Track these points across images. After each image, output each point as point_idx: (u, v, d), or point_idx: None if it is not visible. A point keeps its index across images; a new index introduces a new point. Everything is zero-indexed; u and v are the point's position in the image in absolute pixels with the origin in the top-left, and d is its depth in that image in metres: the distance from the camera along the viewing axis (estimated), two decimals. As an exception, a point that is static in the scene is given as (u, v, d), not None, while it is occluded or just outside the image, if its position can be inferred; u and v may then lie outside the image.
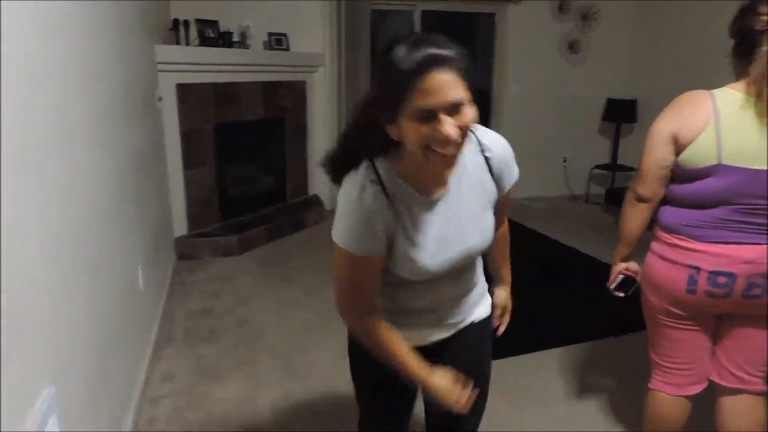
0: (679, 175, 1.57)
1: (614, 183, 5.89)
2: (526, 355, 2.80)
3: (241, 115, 4.47)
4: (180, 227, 4.15)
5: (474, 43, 6.17)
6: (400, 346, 1.20)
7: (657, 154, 1.56)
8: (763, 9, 1.42)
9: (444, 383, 1.21)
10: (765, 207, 1.47)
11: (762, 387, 1.69)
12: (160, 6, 4.06)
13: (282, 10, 4.97)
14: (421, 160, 1.01)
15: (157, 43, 3.70)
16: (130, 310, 2.36)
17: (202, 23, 4.37)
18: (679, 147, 1.53)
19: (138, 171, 2.73)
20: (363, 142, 1.11)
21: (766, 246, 1.49)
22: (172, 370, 2.65)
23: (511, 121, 5.93)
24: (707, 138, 1.47)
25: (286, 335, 3.01)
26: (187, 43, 4.23)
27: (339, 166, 1.14)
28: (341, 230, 1.12)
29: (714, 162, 1.48)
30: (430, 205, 1.13)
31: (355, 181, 1.09)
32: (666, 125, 1.55)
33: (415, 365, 1.20)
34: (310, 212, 4.95)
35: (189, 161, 4.10)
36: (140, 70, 3.03)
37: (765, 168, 1.43)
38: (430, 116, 0.95)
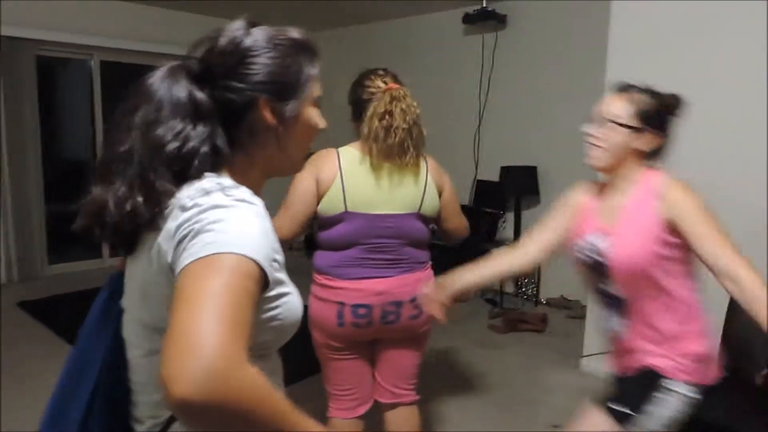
0: (320, 223, 1.79)
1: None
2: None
3: None
4: None
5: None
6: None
7: (296, 204, 1.74)
8: (367, 82, 1.77)
9: None
10: (388, 245, 1.78)
11: (413, 397, 2.02)
12: None
13: None
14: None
15: None
16: None
17: None
18: (318, 197, 1.74)
19: None
20: None
21: (392, 278, 1.80)
22: None
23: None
24: (333, 190, 1.72)
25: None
26: None
27: None
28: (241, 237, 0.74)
29: (342, 209, 1.73)
30: None
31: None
32: (304, 176, 1.72)
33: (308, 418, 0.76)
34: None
35: None
36: None
37: (382, 213, 1.75)
38: None
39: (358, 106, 1.77)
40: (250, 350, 0.66)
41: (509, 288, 4.58)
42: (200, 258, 0.69)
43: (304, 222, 1.75)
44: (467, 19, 4.61)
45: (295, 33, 0.90)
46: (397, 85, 1.75)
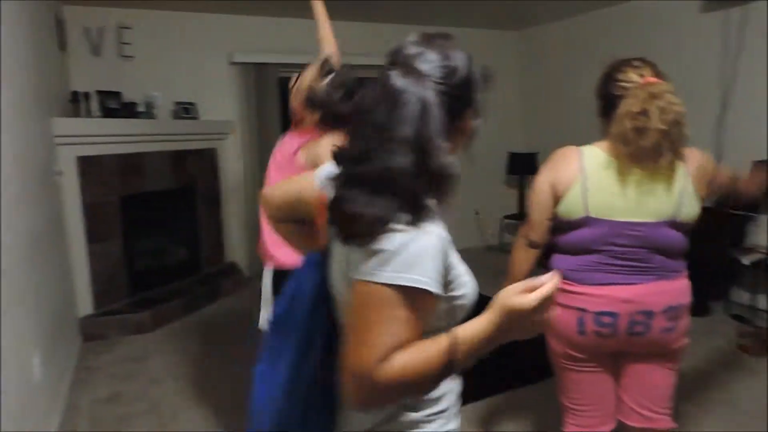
0: (558, 225, 1.70)
1: (524, 231, 6.17)
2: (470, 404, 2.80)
3: (149, 186, 4.34)
4: (85, 306, 3.89)
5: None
6: (433, 343, 0.87)
7: (539, 205, 1.71)
8: (619, 75, 1.61)
9: (523, 300, 0.91)
10: (635, 252, 1.61)
11: (668, 424, 1.78)
12: (59, 78, 3.94)
13: (190, 79, 4.96)
14: None
15: (55, 116, 3.56)
16: (25, 406, 2.15)
17: (104, 94, 4.27)
18: (556, 199, 1.66)
19: (32, 251, 2.55)
20: None
21: (640, 285, 1.62)
22: (75, 468, 2.42)
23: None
24: (573, 193, 1.62)
25: (204, 417, 2.84)
26: (89, 115, 4.11)
27: None
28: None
29: (582, 215, 1.62)
30: None
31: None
32: (542, 179, 1.70)
33: (472, 328, 0.90)
34: (227, 281, 4.81)
35: (93, 235, 3.90)
36: (35, 145, 2.89)
37: (628, 220, 1.58)
38: None
39: (608, 101, 1.62)
40: (428, 334, 0.87)
41: (763, 303, 3.92)
42: (377, 283, 0.84)
43: (549, 225, 1.72)
44: (709, -6, 4.07)
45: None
46: (655, 79, 1.55)
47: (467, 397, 2.89)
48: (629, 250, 1.61)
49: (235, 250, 5.28)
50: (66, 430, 2.70)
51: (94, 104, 4.19)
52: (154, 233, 4.62)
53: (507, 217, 6.23)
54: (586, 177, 1.61)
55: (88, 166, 3.83)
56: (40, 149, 3.05)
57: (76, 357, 3.50)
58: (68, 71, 4.39)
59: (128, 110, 4.35)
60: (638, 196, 1.58)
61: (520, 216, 6.13)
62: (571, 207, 1.63)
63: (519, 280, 1.67)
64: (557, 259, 1.73)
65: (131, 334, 3.89)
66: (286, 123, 5.51)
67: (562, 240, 1.71)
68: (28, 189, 2.62)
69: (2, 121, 2.18)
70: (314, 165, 2.52)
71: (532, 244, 1.76)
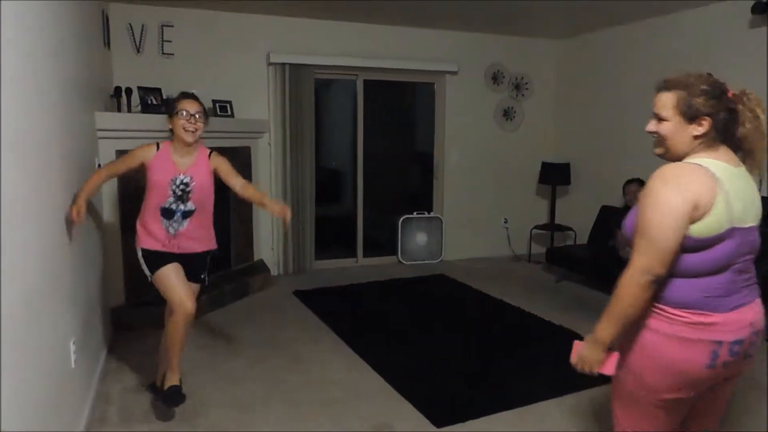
0: (691, 246, 1.48)
1: (553, 242, 6.10)
2: (484, 418, 2.77)
3: (184, 181, 4.39)
4: (117, 296, 3.96)
5: (414, 110, 6.42)
6: None
7: (676, 231, 1.45)
8: (724, 88, 1.54)
9: None
10: (746, 262, 1.54)
11: None
12: (103, 74, 4.04)
13: (227, 78, 5.04)
14: None
15: (97, 110, 3.64)
16: (60, 392, 2.19)
17: (145, 90, 4.36)
18: (692, 219, 1.46)
19: (73, 240, 2.61)
20: None
21: (754, 302, 1.56)
22: (104, 455, 2.46)
23: (453, 185, 6.12)
24: (719, 207, 1.45)
25: (228, 411, 2.86)
26: (129, 110, 4.20)
27: None
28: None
29: (728, 227, 1.47)
30: None
31: None
32: (680, 200, 1.45)
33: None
34: (255, 278, 4.85)
35: (127, 228, 3.97)
36: (80, 138, 2.97)
37: (749, 225, 1.52)
38: None
39: (729, 115, 1.53)
40: None
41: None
42: None
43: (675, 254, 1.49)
44: (758, 8, 3.97)
45: None
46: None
47: (508, 403, 2.88)
48: (745, 259, 1.53)
49: (264, 249, 5.33)
50: (97, 418, 2.75)
51: (135, 100, 4.27)
52: (186, 228, 4.68)
53: (537, 227, 6.16)
54: (724, 188, 1.47)
55: (126, 159, 3.91)
56: (84, 142, 3.12)
57: (107, 346, 3.56)
58: (111, 66, 4.49)
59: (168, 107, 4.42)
60: (748, 196, 1.53)
61: (551, 226, 6.05)
62: (716, 222, 1.46)
63: (625, 322, 1.54)
64: (679, 287, 1.52)
65: (160, 326, 3.93)
66: (320, 124, 5.57)
67: (695, 261, 1.50)
68: (74, 180, 2.68)
69: (52, 115, 2.24)
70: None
71: (657, 279, 1.48)
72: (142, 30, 4.69)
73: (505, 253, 6.37)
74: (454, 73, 5.89)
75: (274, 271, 5.30)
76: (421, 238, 6.07)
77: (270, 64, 5.16)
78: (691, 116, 1.51)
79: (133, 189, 3.98)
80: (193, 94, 2.85)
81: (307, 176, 5.41)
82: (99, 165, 3.64)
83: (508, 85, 6.16)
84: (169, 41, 4.78)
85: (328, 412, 2.85)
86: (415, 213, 6.06)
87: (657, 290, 1.51)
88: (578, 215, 5.96)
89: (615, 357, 1.62)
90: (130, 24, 4.64)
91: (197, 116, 2.72)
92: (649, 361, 1.56)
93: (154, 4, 4.65)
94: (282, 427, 2.69)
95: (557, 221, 6.12)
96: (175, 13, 4.79)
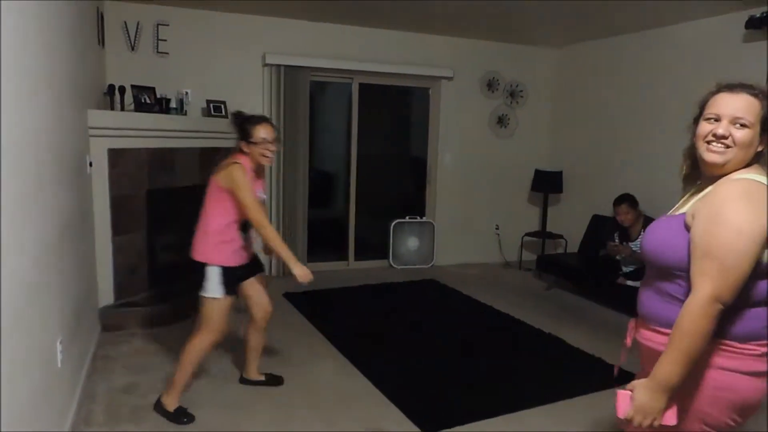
0: (763, 272, 1.38)
1: (544, 249, 6.12)
2: (471, 424, 2.78)
3: (177, 181, 4.39)
4: (106, 296, 3.93)
5: (408, 115, 6.43)
6: None
7: (751, 255, 1.32)
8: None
9: None
10: None
11: None
12: (96, 71, 4.02)
13: (222, 78, 5.03)
14: None
15: (90, 107, 3.62)
16: (46, 392, 2.18)
17: (138, 89, 4.34)
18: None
19: (63, 240, 2.59)
20: None
21: None
22: (88, 456, 2.44)
23: (445, 190, 6.13)
24: None
25: (216, 413, 2.85)
26: (122, 109, 4.18)
27: None
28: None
29: None
30: None
31: None
32: (755, 222, 1.32)
33: None
34: (246, 280, 4.83)
35: (118, 228, 3.95)
36: (72, 136, 2.95)
37: None
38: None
39: None
40: None
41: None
42: None
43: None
44: (751, 23, 4.02)
45: None
46: None
47: (498, 409, 2.88)
48: None
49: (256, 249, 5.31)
50: (82, 418, 2.72)
51: (129, 98, 4.25)
52: (178, 228, 4.65)
53: (528, 234, 6.18)
54: None
55: (118, 158, 3.89)
56: (76, 140, 3.10)
57: (94, 346, 3.53)
58: (105, 64, 4.47)
59: (161, 106, 4.41)
60: None
61: (542, 234, 6.07)
62: None
63: (695, 359, 1.37)
64: (747, 317, 1.40)
65: (149, 326, 3.92)
66: (314, 127, 5.57)
67: (762, 291, 1.40)
68: (66, 179, 2.67)
69: (43, 112, 2.23)
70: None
71: (725, 305, 1.35)
72: (137, 28, 4.67)
73: (496, 259, 6.39)
74: (450, 78, 5.90)
75: (266, 270, 5.28)
76: (412, 242, 6.07)
77: (265, 65, 5.16)
78: (766, 131, 1.42)
79: (124, 191, 3.96)
80: (268, 118, 2.85)
81: (300, 178, 5.40)
82: (90, 163, 3.62)
83: (503, 92, 6.19)
84: (164, 40, 4.77)
85: (316, 415, 2.84)
86: (407, 217, 6.06)
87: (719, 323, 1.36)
88: (569, 223, 5.99)
89: (674, 405, 1.43)
90: (125, 22, 4.62)
91: (275, 142, 2.74)
92: (720, 402, 1.43)
93: (150, 3, 4.64)
94: (270, 429, 2.69)
95: (549, 229, 6.15)
96: (171, 12, 4.78)
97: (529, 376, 3.37)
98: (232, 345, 3.67)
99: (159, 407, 2.79)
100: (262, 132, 2.69)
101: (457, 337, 4.00)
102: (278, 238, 2.74)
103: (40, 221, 2.12)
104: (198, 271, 2.75)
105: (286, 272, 5.34)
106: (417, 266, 6.03)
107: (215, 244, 2.74)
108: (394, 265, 6.00)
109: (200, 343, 2.76)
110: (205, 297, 2.75)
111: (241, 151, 2.74)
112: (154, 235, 4.26)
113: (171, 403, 2.77)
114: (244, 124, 2.74)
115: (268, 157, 2.72)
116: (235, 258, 2.78)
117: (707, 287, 1.32)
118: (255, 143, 2.68)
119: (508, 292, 5.19)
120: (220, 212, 2.73)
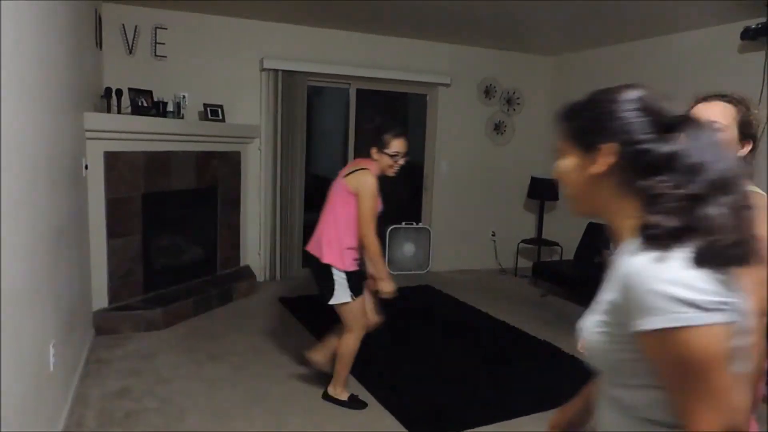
0: None
1: (540, 256, 6.13)
2: (468, 430, 2.77)
3: (172, 185, 4.38)
4: (100, 300, 3.92)
5: (406, 121, 6.44)
6: None
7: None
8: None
9: None
10: None
11: None
12: (93, 74, 4.01)
13: (219, 82, 5.03)
14: None
15: (87, 110, 3.62)
16: (38, 395, 2.16)
17: (136, 92, 4.34)
18: None
19: (58, 243, 2.58)
20: None
21: None
22: (80, 461, 2.42)
23: (442, 197, 6.14)
24: None
25: (208, 417, 2.83)
26: (119, 112, 4.17)
27: None
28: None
29: None
30: None
31: None
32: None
33: None
34: (241, 284, 4.82)
35: (113, 231, 3.94)
36: (68, 138, 2.94)
37: None
38: None
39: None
40: None
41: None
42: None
43: None
44: (747, 34, 4.04)
45: None
46: None
47: (492, 416, 2.87)
48: None
49: (251, 254, 5.31)
50: (74, 422, 2.71)
51: (126, 101, 4.25)
52: (173, 232, 4.66)
53: (524, 241, 6.19)
54: None
55: (114, 161, 3.88)
56: (72, 143, 3.10)
57: (87, 349, 3.52)
58: (102, 67, 4.47)
59: (158, 109, 4.41)
60: None
61: (538, 241, 6.08)
62: None
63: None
64: None
65: (143, 330, 3.91)
66: (311, 131, 5.57)
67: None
68: (61, 182, 2.66)
69: (39, 114, 2.22)
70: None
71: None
72: (135, 31, 4.67)
73: (491, 265, 6.39)
74: (447, 85, 5.92)
75: (260, 277, 5.27)
76: (408, 248, 6.07)
77: (263, 69, 5.16)
78: (745, 135, 1.42)
79: (120, 194, 3.95)
80: (406, 132, 2.86)
81: (296, 182, 5.40)
82: (86, 166, 3.61)
83: (499, 99, 6.20)
84: (162, 43, 4.77)
85: (310, 420, 2.83)
86: (403, 223, 6.06)
87: None
88: (565, 231, 6.00)
89: None
90: (123, 25, 4.62)
91: (405, 157, 2.77)
92: None
93: (148, 6, 4.64)
94: (262, 436, 2.68)
95: (544, 236, 6.15)
96: (170, 16, 4.78)
97: (524, 383, 3.37)
98: (224, 353, 3.66)
99: (329, 398, 2.96)
100: (399, 146, 2.71)
101: (452, 344, 3.99)
102: (380, 253, 2.76)
103: (34, 224, 2.12)
104: (321, 271, 2.78)
105: (280, 276, 5.34)
106: (413, 272, 6.03)
107: (343, 249, 2.77)
108: (390, 271, 5.98)
109: (351, 343, 2.86)
110: (337, 305, 2.78)
111: (370, 157, 2.75)
112: (149, 239, 4.24)
113: (342, 393, 2.94)
114: (382, 132, 2.75)
115: (395, 169, 2.75)
116: (354, 264, 2.82)
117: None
118: (389, 154, 2.70)
119: (504, 298, 5.19)
120: (351, 218, 2.76)
